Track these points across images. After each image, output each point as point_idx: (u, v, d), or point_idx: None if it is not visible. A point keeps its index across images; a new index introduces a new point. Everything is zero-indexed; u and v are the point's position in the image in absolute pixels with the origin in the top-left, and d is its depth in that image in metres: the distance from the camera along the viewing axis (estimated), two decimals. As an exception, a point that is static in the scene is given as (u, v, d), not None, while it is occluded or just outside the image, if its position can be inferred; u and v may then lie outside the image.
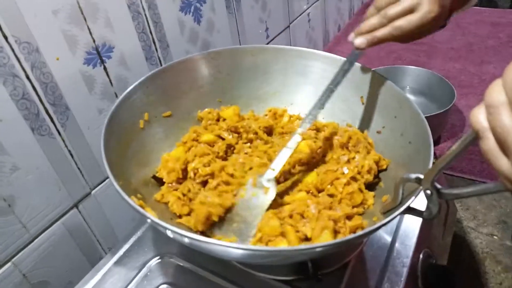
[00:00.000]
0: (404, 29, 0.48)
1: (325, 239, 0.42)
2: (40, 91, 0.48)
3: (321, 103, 0.51)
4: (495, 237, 0.69)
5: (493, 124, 0.24)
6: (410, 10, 0.47)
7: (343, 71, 0.52)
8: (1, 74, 0.43)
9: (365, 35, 0.51)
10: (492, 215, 0.73)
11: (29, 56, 0.46)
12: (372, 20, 0.51)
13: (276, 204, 0.47)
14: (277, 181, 0.49)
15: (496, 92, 0.24)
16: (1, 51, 0.43)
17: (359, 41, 0.51)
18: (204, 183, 0.48)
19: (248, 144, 0.56)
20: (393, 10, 0.48)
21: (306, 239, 0.44)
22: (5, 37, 0.43)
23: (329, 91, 0.51)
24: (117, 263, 0.52)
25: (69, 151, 0.54)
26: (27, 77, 0.46)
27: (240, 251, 0.37)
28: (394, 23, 0.48)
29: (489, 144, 0.25)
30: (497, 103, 0.24)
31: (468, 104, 0.99)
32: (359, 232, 0.38)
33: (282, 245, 0.41)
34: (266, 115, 0.62)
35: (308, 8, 1.11)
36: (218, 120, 0.59)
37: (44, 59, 0.48)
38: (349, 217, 0.46)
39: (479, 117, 0.26)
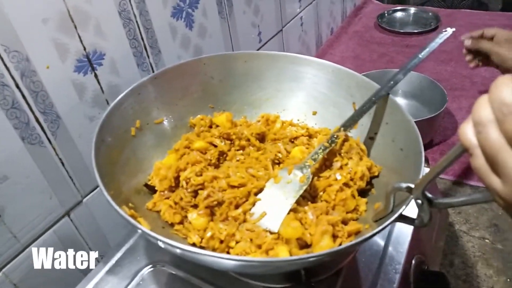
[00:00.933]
0: None
1: (326, 244, 0.42)
2: (30, 100, 0.48)
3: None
4: (486, 240, 0.70)
5: (482, 142, 0.24)
6: None
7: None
8: (-10, 84, 0.43)
9: None
10: (483, 218, 0.73)
11: (19, 65, 0.45)
12: None
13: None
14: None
15: (483, 109, 0.24)
16: (-11, 60, 0.42)
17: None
18: (196, 192, 0.48)
19: (241, 151, 0.55)
20: None
21: (306, 245, 0.44)
22: (-6, 47, 0.43)
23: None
24: (109, 272, 0.52)
25: (60, 159, 0.54)
26: (17, 86, 0.46)
27: (232, 262, 0.37)
28: None
29: (479, 161, 0.25)
30: (485, 120, 0.24)
31: (460, 107, 1.00)
32: (352, 241, 0.38)
33: (283, 253, 0.41)
34: (258, 121, 0.62)
35: (300, 12, 1.11)
36: (210, 126, 0.59)
37: (34, 67, 0.47)
38: (344, 222, 0.46)
39: (467, 133, 0.25)
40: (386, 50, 1.26)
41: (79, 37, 0.52)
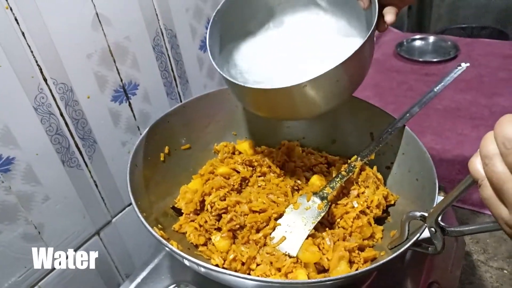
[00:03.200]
0: None
1: (343, 269, 0.44)
2: (72, 126, 0.52)
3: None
4: (505, 271, 0.70)
5: (489, 174, 0.26)
6: None
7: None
8: (40, 113, 0.48)
9: None
10: (502, 248, 0.73)
11: (64, 96, 0.50)
12: None
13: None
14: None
15: (489, 143, 0.26)
16: (41, 92, 0.47)
17: None
18: (220, 216, 0.51)
19: (262, 177, 0.58)
20: None
21: (324, 270, 0.46)
22: (45, 80, 0.48)
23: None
24: (135, 290, 0.55)
25: (94, 181, 0.58)
26: (61, 115, 0.51)
27: (253, 283, 0.40)
28: None
29: (487, 192, 0.27)
30: (491, 154, 0.26)
31: (479, 136, 1.00)
32: (367, 267, 0.40)
33: (301, 276, 0.43)
34: (279, 148, 0.65)
35: (320, 42, 1.15)
36: (233, 153, 0.62)
37: (77, 97, 0.52)
38: (361, 249, 0.48)
39: (476, 166, 0.28)
40: (405, 78, 1.28)
41: (117, 69, 0.57)
